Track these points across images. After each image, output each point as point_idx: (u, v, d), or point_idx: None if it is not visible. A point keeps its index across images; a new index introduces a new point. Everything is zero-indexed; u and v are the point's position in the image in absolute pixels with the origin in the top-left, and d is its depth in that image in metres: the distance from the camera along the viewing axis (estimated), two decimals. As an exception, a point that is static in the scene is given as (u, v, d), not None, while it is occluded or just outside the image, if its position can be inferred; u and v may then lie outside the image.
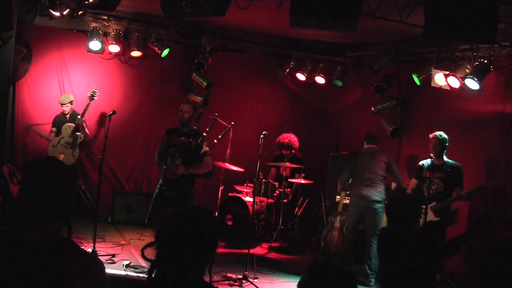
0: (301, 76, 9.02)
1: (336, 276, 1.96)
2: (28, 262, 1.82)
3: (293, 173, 8.43)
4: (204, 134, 6.09)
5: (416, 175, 6.42)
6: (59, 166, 2.06)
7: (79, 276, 1.86)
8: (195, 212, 2.06)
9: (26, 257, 1.83)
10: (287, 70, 9.06)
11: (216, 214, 8.00)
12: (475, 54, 6.53)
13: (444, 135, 6.18)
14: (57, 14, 6.55)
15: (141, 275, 5.74)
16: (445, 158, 6.17)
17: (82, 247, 2.55)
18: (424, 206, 6.10)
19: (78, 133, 7.44)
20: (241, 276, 6.03)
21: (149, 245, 2.01)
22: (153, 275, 2.02)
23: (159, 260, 1.99)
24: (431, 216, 6.05)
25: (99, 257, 5.53)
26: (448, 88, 6.76)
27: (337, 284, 1.93)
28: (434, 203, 6.05)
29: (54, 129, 7.60)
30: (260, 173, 7.45)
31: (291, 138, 8.37)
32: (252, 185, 7.97)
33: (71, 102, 7.60)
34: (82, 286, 1.87)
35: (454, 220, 6.45)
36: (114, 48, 8.14)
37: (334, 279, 1.94)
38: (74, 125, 7.45)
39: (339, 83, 8.80)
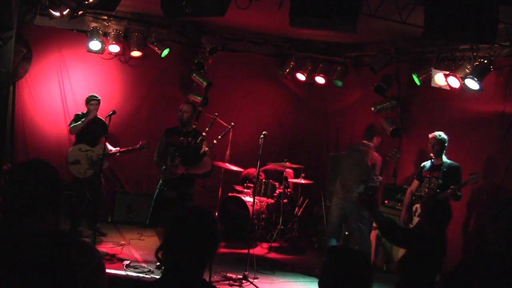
0: (301, 76, 9.03)
1: (353, 258, 2.22)
2: (33, 251, 1.84)
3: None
4: (204, 133, 6.09)
5: (417, 176, 6.42)
6: (45, 168, 2.05)
7: (85, 266, 1.89)
8: (195, 213, 2.07)
9: (30, 246, 1.84)
10: (287, 70, 9.06)
11: (216, 214, 8.01)
12: (475, 54, 6.52)
13: (443, 135, 6.17)
14: (57, 14, 6.53)
15: (141, 275, 5.75)
16: (444, 158, 6.17)
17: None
18: (418, 206, 6.11)
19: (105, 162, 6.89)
20: (241, 276, 6.04)
21: (160, 248, 2.03)
22: (162, 276, 2.05)
23: (166, 261, 2.02)
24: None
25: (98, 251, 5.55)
26: (448, 88, 6.75)
27: (355, 265, 2.18)
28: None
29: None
30: (261, 173, 7.46)
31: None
32: (251, 185, 7.98)
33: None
34: (89, 276, 1.90)
35: None
36: (114, 48, 8.13)
37: (352, 261, 2.20)
38: (109, 151, 7.07)
39: (339, 83, 8.81)
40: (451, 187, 5.88)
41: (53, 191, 2.02)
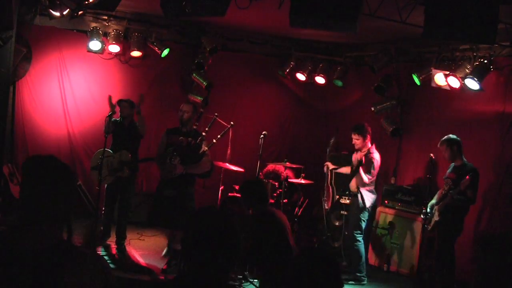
0: (301, 76, 9.02)
1: (321, 260, 2.17)
2: (27, 268, 1.80)
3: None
4: (204, 133, 6.09)
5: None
6: (59, 166, 2.00)
7: (78, 279, 1.84)
8: (220, 216, 2.05)
9: (25, 263, 1.80)
10: (287, 70, 9.06)
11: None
12: (475, 54, 6.53)
13: (450, 137, 6.11)
14: (57, 14, 6.55)
15: (141, 275, 5.75)
16: (463, 160, 6.09)
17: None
18: (436, 207, 6.07)
19: (124, 170, 6.48)
20: (241, 276, 6.03)
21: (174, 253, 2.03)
22: (182, 277, 2.03)
23: (190, 262, 2.00)
24: (435, 216, 6.07)
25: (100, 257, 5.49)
26: (448, 88, 6.76)
27: (322, 267, 2.15)
28: (440, 204, 6.04)
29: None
30: (260, 173, 7.45)
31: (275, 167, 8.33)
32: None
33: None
34: None
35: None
36: (114, 48, 8.14)
37: (319, 262, 2.16)
38: (129, 158, 6.52)
39: (339, 83, 8.80)
40: (450, 191, 5.87)
41: (66, 193, 1.97)
